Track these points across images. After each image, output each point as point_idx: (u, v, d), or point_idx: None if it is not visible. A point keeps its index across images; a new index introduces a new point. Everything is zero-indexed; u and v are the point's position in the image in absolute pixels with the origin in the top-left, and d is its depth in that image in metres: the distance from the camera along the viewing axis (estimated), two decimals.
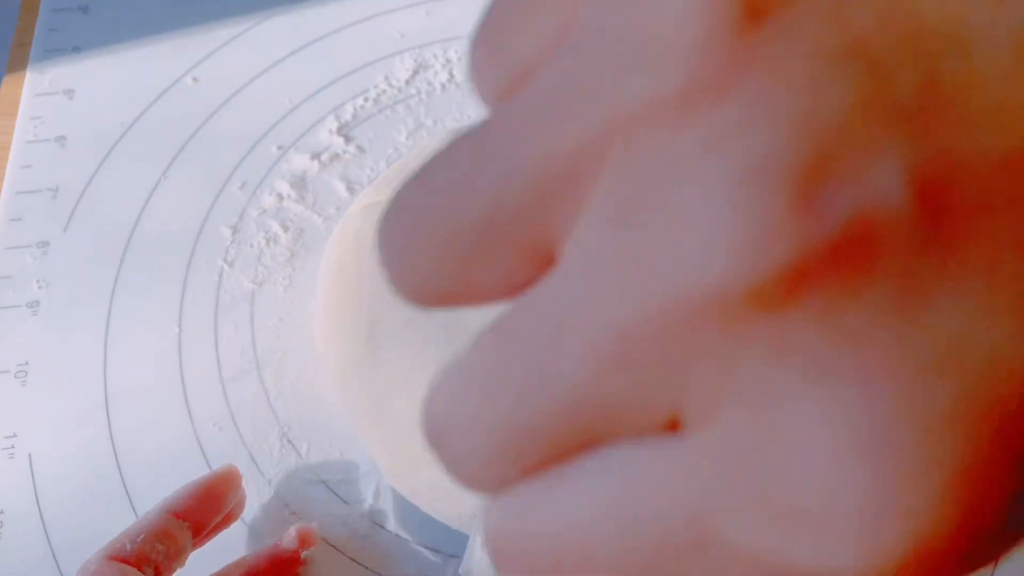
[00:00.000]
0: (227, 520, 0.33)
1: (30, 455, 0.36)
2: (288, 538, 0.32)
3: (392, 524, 0.34)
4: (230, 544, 0.34)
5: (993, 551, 0.10)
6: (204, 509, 0.32)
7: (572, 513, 0.11)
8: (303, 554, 0.32)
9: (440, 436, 0.12)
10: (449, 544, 0.34)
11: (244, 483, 0.35)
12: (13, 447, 0.36)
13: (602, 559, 0.11)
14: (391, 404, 0.31)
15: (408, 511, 0.34)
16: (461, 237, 0.12)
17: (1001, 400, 0.09)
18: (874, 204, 0.09)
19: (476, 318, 0.33)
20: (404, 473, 0.32)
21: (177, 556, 0.30)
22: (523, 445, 0.11)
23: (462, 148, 0.12)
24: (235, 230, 0.42)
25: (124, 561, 0.29)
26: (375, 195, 0.36)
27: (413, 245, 0.12)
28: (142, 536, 0.29)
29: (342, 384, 0.33)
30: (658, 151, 0.10)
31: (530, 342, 0.11)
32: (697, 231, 0.09)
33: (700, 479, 0.10)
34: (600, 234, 0.10)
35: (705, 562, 0.10)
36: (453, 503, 0.31)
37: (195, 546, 0.31)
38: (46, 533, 0.34)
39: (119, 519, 0.34)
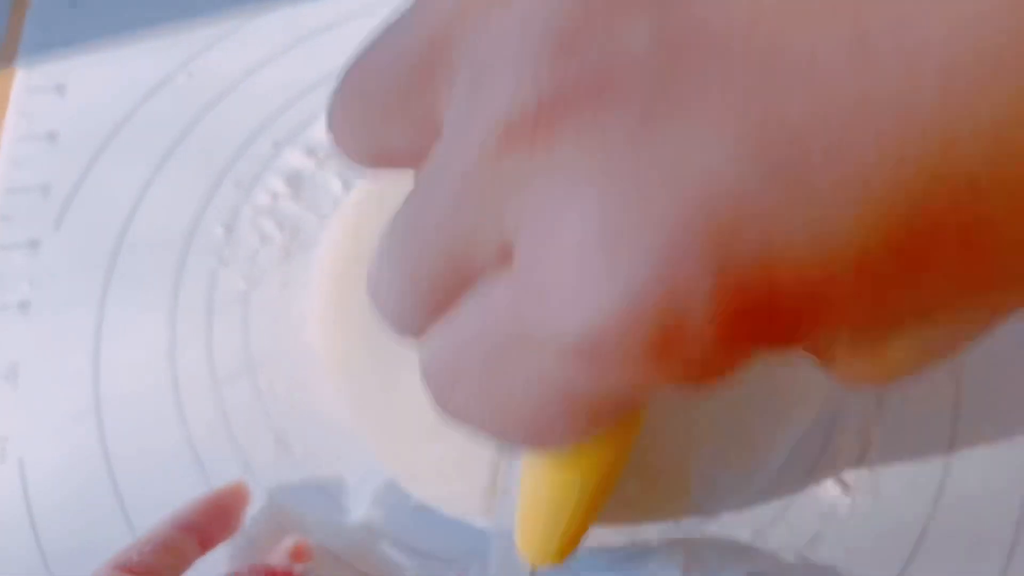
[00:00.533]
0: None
1: (20, 459, 0.35)
2: (282, 551, 0.32)
3: (389, 528, 0.34)
4: (221, 547, 0.33)
5: (705, 362, 0.12)
6: (213, 524, 0.32)
7: (456, 339, 0.15)
8: (299, 568, 0.31)
9: (374, 300, 0.16)
10: (447, 548, 0.33)
11: None
12: (3, 451, 0.35)
13: (476, 368, 0.14)
14: (390, 394, 0.31)
15: (405, 515, 0.33)
16: (374, 107, 0.16)
17: (711, 205, 0.11)
18: (620, 53, 0.11)
19: None
20: (408, 450, 0.32)
21: (184, 569, 0.30)
22: (421, 297, 0.15)
23: (376, 41, 0.17)
24: (229, 229, 0.41)
25: (131, 571, 0.29)
26: (372, 185, 0.36)
27: (347, 116, 0.16)
28: (150, 547, 0.29)
29: (339, 375, 0.33)
30: (487, 32, 0.13)
31: (415, 206, 0.15)
32: (499, 84, 0.12)
33: (513, 294, 0.13)
34: (454, 105, 0.14)
35: (527, 352, 0.13)
36: (458, 476, 0.31)
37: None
38: (36, 537, 0.34)
39: (111, 523, 0.34)
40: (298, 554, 0.32)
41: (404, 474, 0.32)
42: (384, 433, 0.32)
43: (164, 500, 0.34)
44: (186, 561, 0.30)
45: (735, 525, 0.34)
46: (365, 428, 0.33)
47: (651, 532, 0.31)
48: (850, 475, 0.35)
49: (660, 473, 0.30)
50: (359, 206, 0.36)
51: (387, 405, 0.32)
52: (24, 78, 0.46)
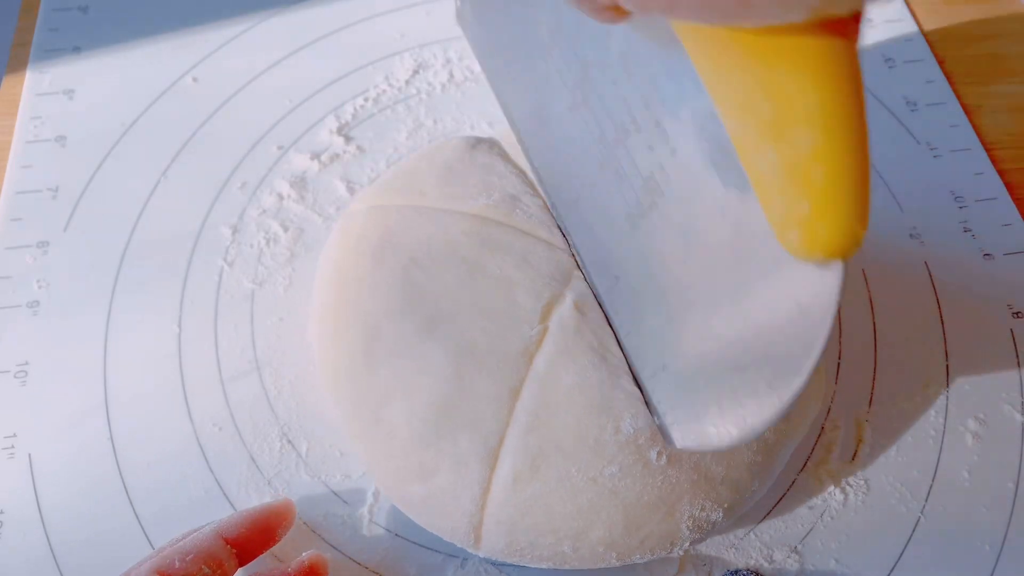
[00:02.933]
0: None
1: (30, 455, 0.36)
2: (298, 565, 0.32)
3: (392, 524, 0.34)
4: None
5: None
6: (255, 540, 0.32)
7: None
8: None
9: None
10: (448, 544, 0.34)
11: (244, 483, 0.35)
12: (13, 447, 0.36)
13: None
14: (385, 413, 0.31)
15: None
16: None
17: None
18: None
19: (483, 341, 0.32)
20: (395, 483, 0.32)
21: None
22: None
23: None
24: (235, 230, 0.42)
25: None
26: (375, 198, 0.36)
27: None
28: (192, 556, 0.29)
29: (336, 389, 0.33)
30: None
31: None
32: None
33: None
34: None
35: None
36: (443, 516, 0.31)
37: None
38: (46, 533, 0.34)
39: (119, 519, 0.34)
40: (314, 570, 0.32)
41: (397, 502, 0.33)
42: (373, 463, 0.32)
43: (171, 496, 0.35)
44: (223, 573, 0.30)
45: (730, 520, 0.35)
46: (360, 453, 0.33)
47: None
48: (843, 470, 0.36)
49: (647, 520, 0.30)
50: (364, 213, 0.36)
51: (376, 438, 0.31)
52: (34, 82, 0.47)
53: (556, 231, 0.33)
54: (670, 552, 0.31)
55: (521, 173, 0.35)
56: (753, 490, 0.31)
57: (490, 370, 0.30)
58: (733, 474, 0.30)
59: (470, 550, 0.32)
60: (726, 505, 0.30)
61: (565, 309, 0.31)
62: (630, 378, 0.30)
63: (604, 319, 0.31)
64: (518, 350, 0.30)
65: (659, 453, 0.29)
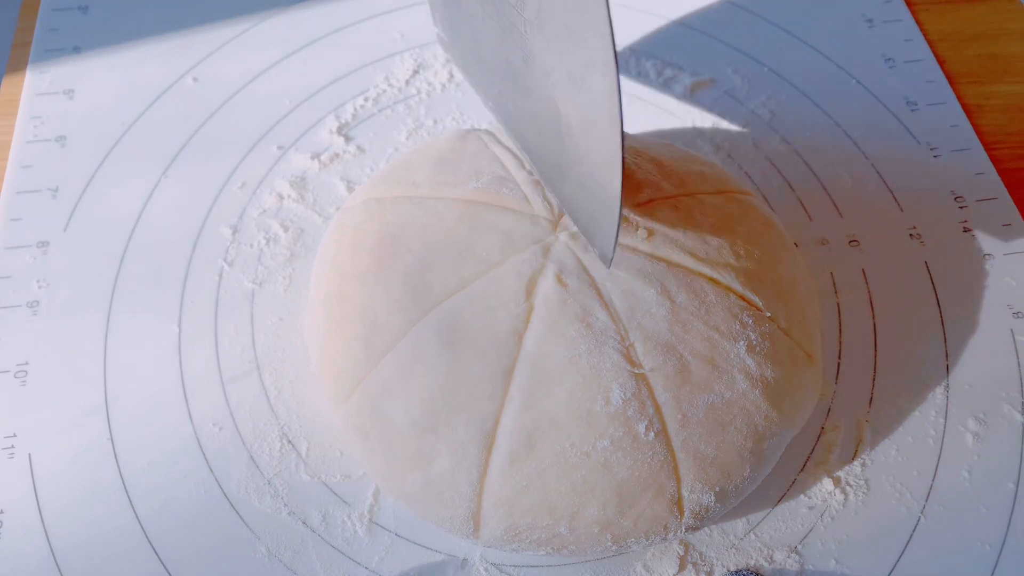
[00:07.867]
0: None
1: (30, 455, 0.36)
2: None
3: (392, 524, 0.34)
4: (229, 539, 0.34)
5: None
6: None
7: None
8: None
9: None
10: (448, 544, 0.34)
11: (244, 483, 0.35)
12: (13, 447, 0.36)
13: None
14: (383, 407, 0.31)
15: (407, 511, 0.34)
16: None
17: None
18: None
19: (474, 325, 0.33)
20: (394, 475, 0.32)
21: None
22: None
23: None
24: (235, 230, 0.42)
25: None
26: (370, 191, 0.36)
27: None
28: None
29: (334, 384, 0.33)
30: None
31: None
32: None
33: None
34: None
35: None
36: (441, 504, 0.31)
37: None
38: (46, 533, 0.34)
39: (119, 519, 0.34)
40: None
41: (396, 495, 0.33)
42: (372, 456, 0.32)
43: (171, 496, 0.35)
44: None
45: (729, 520, 0.35)
46: (358, 447, 0.33)
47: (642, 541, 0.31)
48: (843, 470, 0.36)
49: (639, 497, 0.30)
50: (362, 206, 0.36)
51: (374, 429, 0.32)
52: (34, 82, 0.47)
53: (538, 200, 0.34)
54: (665, 537, 0.31)
55: (511, 152, 0.36)
56: (744, 476, 0.31)
57: (483, 353, 0.31)
58: (723, 456, 0.30)
59: (470, 540, 0.32)
60: (717, 489, 0.31)
61: (548, 283, 0.32)
62: (614, 342, 0.31)
63: (585, 286, 0.32)
64: (507, 330, 0.31)
65: (647, 427, 0.30)
